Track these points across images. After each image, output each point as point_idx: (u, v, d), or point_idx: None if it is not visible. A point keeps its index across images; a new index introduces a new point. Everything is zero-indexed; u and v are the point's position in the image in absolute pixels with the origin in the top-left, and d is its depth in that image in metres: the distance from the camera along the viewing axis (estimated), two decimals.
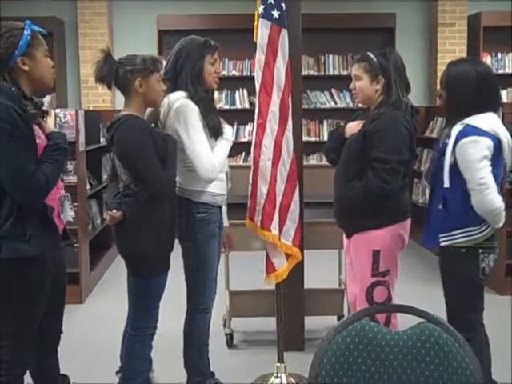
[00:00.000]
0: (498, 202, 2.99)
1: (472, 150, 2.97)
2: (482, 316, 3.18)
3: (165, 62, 3.36)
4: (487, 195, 2.96)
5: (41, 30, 2.69)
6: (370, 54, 3.29)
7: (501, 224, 3.07)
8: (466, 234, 3.05)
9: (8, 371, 2.64)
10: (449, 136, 3.08)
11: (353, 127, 3.31)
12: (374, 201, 3.16)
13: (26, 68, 2.61)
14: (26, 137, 2.54)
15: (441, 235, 3.10)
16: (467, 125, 3.03)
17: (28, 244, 2.57)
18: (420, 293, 5.09)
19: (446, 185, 3.06)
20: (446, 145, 3.08)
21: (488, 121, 3.03)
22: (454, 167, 3.04)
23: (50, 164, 2.61)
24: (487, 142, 2.98)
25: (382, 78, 3.24)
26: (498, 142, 3.02)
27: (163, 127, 3.26)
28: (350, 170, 3.24)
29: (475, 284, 3.10)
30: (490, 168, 2.98)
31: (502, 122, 3.15)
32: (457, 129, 3.05)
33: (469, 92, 3.06)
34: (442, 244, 3.11)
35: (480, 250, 3.06)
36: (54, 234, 2.77)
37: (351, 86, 3.36)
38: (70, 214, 3.00)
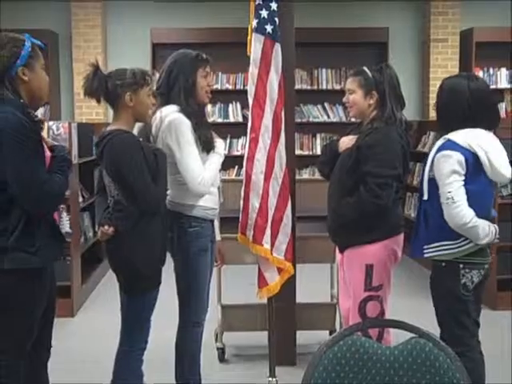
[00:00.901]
0: (467, 216, 2.92)
1: (443, 164, 2.97)
2: (475, 332, 3.15)
3: (158, 75, 3.37)
4: (454, 209, 2.92)
5: (39, 43, 2.73)
6: (365, 68, 3.31)
7: (484, 241, 2.98)
8: (444, 248, 3.03)
9: None
10: (430, 150, 3.11)
11: (346, 142, 3.31)
12: (367, 216, 3.16)
13: (26, 78, 2.64)
14: (37, 146, 2.60)
15: (425, 246, 3.09)
16: (448, 139, 3.02)
17: (35, 255, 2.61)
18: (413, 308, 5.08)
19: (425, 197, 3.07)
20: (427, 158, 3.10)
21: (469, 136, 3.00)
22: (433, 180, 3.04)
23: (60, 174, 2.68)
24: (458, 157, 2.94)
25: (375, 93, 3.25)
26: (474, 158, 2.98)
27: (155, 141, 3.26)
28: (344, 184, 3.24)
29: (459, 299, 3.05)
30: (462, 183, 2.95)
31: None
32: (438, 143, 3.07)
33: (458, 107, 3.05)
34: (425, 255, 3.10)
35: (461, 265, 3.02)
36: (60, 245, 2.82)
37: (344, 100, 3.37)
38: (67, 225, 3.04)
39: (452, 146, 2.98)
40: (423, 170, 3.14)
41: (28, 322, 2.68)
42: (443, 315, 3.12)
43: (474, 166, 2.97)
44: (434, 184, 3.03)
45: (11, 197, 2.57)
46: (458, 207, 2.93)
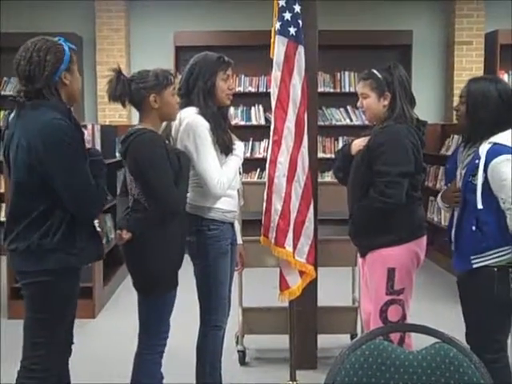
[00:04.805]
0: None
1: (505, 168, 2.90)
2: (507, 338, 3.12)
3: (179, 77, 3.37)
4: None
5: (73, 46, 2.79)
6: (374, 70, 3.29)
7: None
8: (500, 254, 2.96)
9: (43, 380, 2.72)
10: (477, 156, 3.00)
11: (358, 144, 3.30)
12: (379, 216, 3.13)
13: (67, 82, 2.72)
14: (83, 151, 2.70)
15: (473, 257, 3.00)
16: (495, 143, 2.96)
17: (76, 256, 2.70)
18: (435, 312, 5.03)
19: (480, 206, 2.95)
20: (475, 165, 2.99)
21: None
22: (485, 187, 2.95)
23: (101, 179, 2.78)
24: None
25: (388, 94, 3.24)
26: None
27: (174, 143, 3.26)
28: (359, 186, 3.23)
29: (506, 304, 3.00)
30: None
31: None
32: (485, 148, 2.98)
33: (489, 110, 3.02)
34: (475, 266, 3.00)
35: (510, 269, 2.97)
36: (98, 248, 2.91)
37: (359, 104, 3.35)
38: (97, 226, 3.11)
39: (506, 149, 2.93)
40: (467, 178, 3.05)
41: (63, 319, 2.76)
42: (488, 321, 3.03)
43: None
44: (487, 191, 2.95)
45: (55, 199, 2.64)
46: None
